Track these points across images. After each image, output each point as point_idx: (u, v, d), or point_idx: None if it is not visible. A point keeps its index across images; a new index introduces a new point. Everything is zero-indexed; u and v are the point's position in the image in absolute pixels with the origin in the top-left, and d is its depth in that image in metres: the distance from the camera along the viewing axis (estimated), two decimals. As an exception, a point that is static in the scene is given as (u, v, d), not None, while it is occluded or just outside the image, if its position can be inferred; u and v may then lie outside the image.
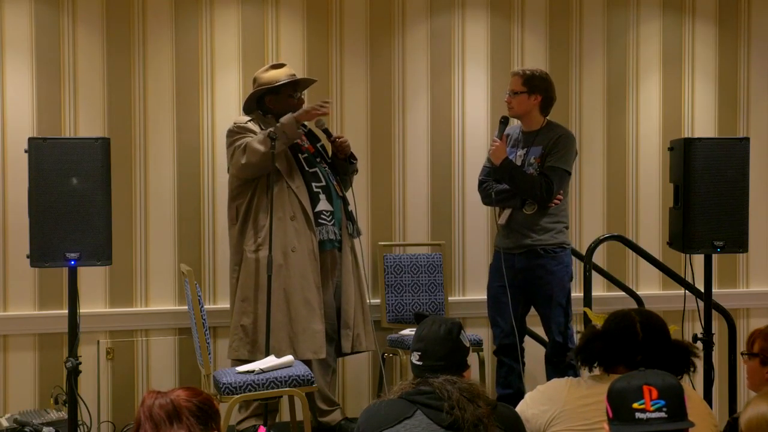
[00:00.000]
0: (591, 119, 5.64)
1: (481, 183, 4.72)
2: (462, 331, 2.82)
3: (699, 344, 4.18)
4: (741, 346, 5.13)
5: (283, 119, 4.47)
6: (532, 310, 4.70)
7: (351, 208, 4.73)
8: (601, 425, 2.38)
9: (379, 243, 5.27)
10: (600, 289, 5.43)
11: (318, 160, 4.70)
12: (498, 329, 4.69)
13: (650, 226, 5.71)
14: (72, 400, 3.91)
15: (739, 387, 5.01)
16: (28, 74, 4.87)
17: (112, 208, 3.90)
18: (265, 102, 4.67)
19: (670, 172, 4.45)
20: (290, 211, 4.50)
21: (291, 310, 4.45)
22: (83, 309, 4.13)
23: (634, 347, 2.91)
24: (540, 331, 4.83)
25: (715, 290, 4.55)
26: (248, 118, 4.64)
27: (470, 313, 5.36)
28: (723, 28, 5.83)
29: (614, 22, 5.68)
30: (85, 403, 4.43)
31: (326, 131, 4.68)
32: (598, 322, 3.13)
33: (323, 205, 4.59)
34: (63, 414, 4.36)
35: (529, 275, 4.55)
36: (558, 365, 4.52)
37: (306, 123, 4.68)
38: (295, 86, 4.69)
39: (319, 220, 4.56)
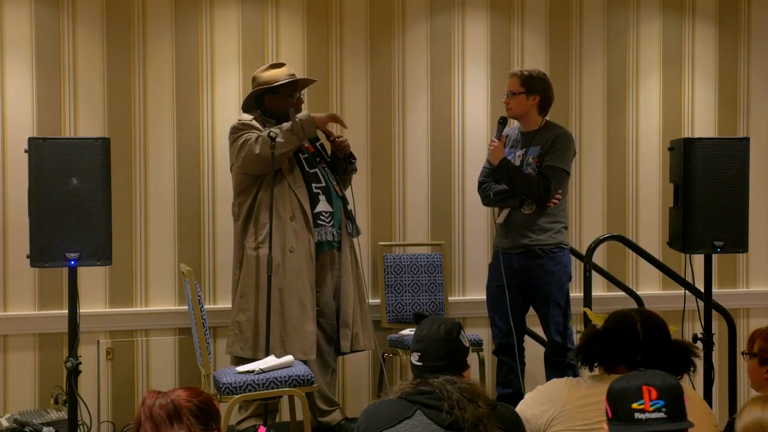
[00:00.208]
0: (591, 119, 5.64)
1: (480, 184, 4.72)
2: (462, 332, 2.82)
3: (699, 344, 4.18)
4: (741, 346, 5.14)
5: (302, 115, 4.49)
6: (532, 310, 4.70)
7: (350, 207, 4.73)
8: (601, 425, 2.38)
9: (379, 243, 5.27)
10: (600, 289, 5.43)
11: (318, 160, 4.70)
12: (497, 329, 4.69)
13: (650, 226, 5.71)
14: (72, 400, 3.92)
15: (739, 387, 5.02)
16: (28, 74, 4.87)
17: (112, 208, 3.90)
18: (264, 101, 4.67)
19: (670, 172, 4.45)
20: (290, 212, 4.50)
21: (284, 310, 4.46)
22: (83, 309, 4.13)
23: (634, 347, 2.91)
24: (540, 331, 4.83)
25: (715, 290, 4.55)
26: (251, 116, 4.65)
27: (470, 313, 5.36)
28: (723, 28, 5.83)
29: (614, 22, 5.68)
30: (85, 403, 4.44)
31: (326, 131, 4.68)
32: (598, 322, 3.13)
33: (322, 206, 4.60)
34: (63, 414, 4.36)
35: (527, 275, 4.55)
36: (557, 365, 4.52)
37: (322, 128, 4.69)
38: (294, 86, 4.69)
39: (318, 222, 4.56)
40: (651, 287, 5.66)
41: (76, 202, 3.80)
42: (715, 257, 4.54)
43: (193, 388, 2.51)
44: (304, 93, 4.82)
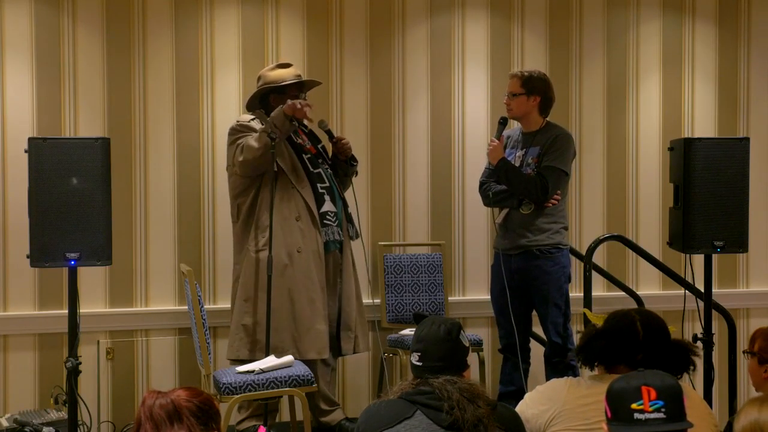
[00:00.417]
0: (591, 119, 5.64)
1: (481, 184, 4.73)
2: (461, 331, 2.82)
3: (699, 344, 4.18)
4: (741, 346, 5.14)
5: (273, 113, 4.48)
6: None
7: (350, 209, 4.73)
8: (601, 425, 2.38)
9: (379, 243, 5.27)
10: (600, 289, 5.43)
11: (320, 161, 4.70)
12: (502, 330, 4.71)
13: (650, 226, 5.71)
14: (72, 400, 3.92)
15: (739, 387, 5.01)
16: (28, 74, 4.87)
17: (112, 208, 3.90)
18: (270, 101, 4.67)
19: (670, 172, 4.45)
20: (295, 212, 4.50)
21: (295, 310, 4.45)
22: (83, 309, 4.13)
23: (634, 346, 2.91)
24: (540, 331, 4.83)
25: (715, 290, 4.55)
26: (251, 116, 4.65)
27: (470, 313, 5.36)
28: (723, 28, 5.83)
29: (614, 22, 5.68)
30: (85, 403, 4.44)
31: (329, 132, 4.68)
32: (597, 323, 3.13)
33: (328, 206, 4.59)
34: (63, 414, 4.37)
35: (526, 276, 4.55)
36: (557, 365, 4.52)
37: (307, 124, 4.68)
38: (301, 87, 4.69)
39: (324, 221, 4.56)
40: (651, 287, 5.66)
41: (76, 202, 3.80)
42: (715, 257, 4.54)
43: (193, 388, 2.51)
44: (306, 94, 4.81)
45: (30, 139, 3.85)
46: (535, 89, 4.57)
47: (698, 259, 4.50)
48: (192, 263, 4.81)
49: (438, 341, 2.78)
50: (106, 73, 4.97)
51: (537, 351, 4.92)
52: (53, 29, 4.90)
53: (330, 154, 4.80)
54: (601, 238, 5.04)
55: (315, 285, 4.49)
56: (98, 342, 4.90)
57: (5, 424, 4.40)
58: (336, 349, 4.67)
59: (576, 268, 5.04)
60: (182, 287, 4.87)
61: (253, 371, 4.08)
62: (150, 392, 2.47)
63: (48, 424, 4.36)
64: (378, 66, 5.33)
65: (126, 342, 4.97)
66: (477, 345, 4.91)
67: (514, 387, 4.63)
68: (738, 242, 4.29)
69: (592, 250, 4.87)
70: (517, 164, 4.59)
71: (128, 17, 4.99)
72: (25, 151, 3.82)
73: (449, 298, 5.33)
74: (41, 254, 3.81)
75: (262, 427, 4.28)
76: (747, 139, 4.33)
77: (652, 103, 5.73)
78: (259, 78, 4.71)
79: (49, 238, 3.79)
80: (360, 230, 4.79)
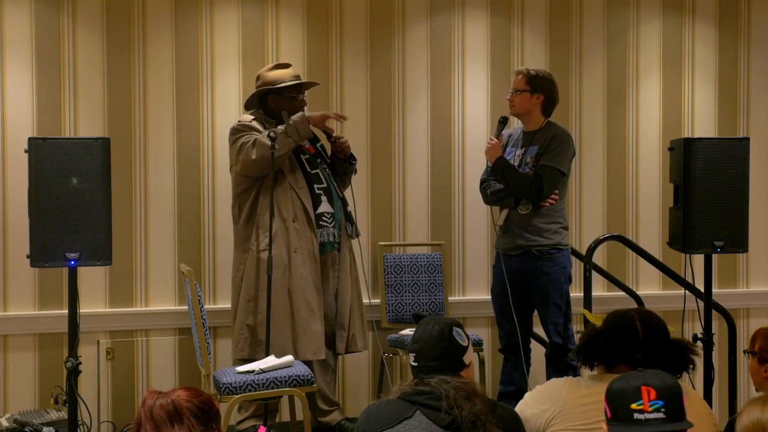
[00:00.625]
0: (591, 119, 5.64)
1: (482, 182, 4.73)
2: (457, 330, 2.81)
3: (699, 344, 4.18)
4: (741, 346, 5.15)
5: (295, 117, 4.47)
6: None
7: (350, 208, 4.73)
8: (600, 425, 2.38)
9: (379, 243, 5.27)
10: (600, 289, 5.43)
11: (318, 161, 4.70)
12: (503, 330, 4.71)
13: (650, 226, 5.71)
14: (72, 400, 3.92)
15: (739, 387, 5.01)
16: (28, 74, 4.88)
17: (112, 208, 3.90)
18: (268, 101, 4.67)
19: (670, 172, 4.45)
20: (292, 213, 4.50)
21: (293, 311, 4.46)
22: (83, 309, 4.13)
23: (634, 345, 2.91)
24: (541, 331, 4.83)
25: (715, 290, 4.55)
26: (252, 117, 4.65)
27: (470, 313, 5.36)
28: (723, 28, 5.83)
29: (614, 22, 5.68)
30: (85, 403, 4.44)
31: (326, 129, 4.67)
32: (596, 323, 3.13)
33: (324, 207, 4.59)
34: (63, 414, 4.37)
35: (526, 277, 4.56)
36: (557, 366, 4.52)
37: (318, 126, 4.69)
38: (299, 88, 4.69)
39: (321, 222, 4.56)
40: (651, 287, 5.66)
41: (76, 202, 3.80)
42: (715, 257, 4.54)
43: (193, 389, 2.51)
44: (305, 93, 4.81)
45: (30, 139, 3.85)
46: (540, 88, 4.57)
47: (698, 259, 4.50)
48: (192, 263, 4.81)
49: (432, 341, 2.78)
50: (106, 73, 4.97)
51: (537, 351, 4.92)
52: (53, 29, 4.91)
53: (329, 153, 4.80)
54: (601, 238, 5.04)
55: (310, 286, 4.49)
56: (98, 342, 4.90)
57: (5, 424, 4.40)
58: (333, 349, 4.67)
59: (576, 268, 5.04)
60: (182, 287, 4.87)
61: (253, 371, 4.08)
62: (150, 392, 2.47)
63: (48, 424, 4.36)
64: (378, 66, 5.33)
65: (126, 342, 4.97)
66: (477, 345, 4.91)
67: (514, 387, 4.64)
68: (738, 242, 4.29)
69: (592, 250, 4.87)
70: (516, 163, 4.59)
71: (128, 17, 5.00)
72: (25, 151, 3.82)
73: (449, 298, 5.33)
74: (41, 254, 3.81)
75: (262, 427, 4.28)
76: (747, 139, 4.33)
77: (652, 103, 5.74)
78: (257, 78, 4.71)
79: (49, 238, 3.79)
80: (359, 230, 4.79)
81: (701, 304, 4.51)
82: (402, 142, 5.37)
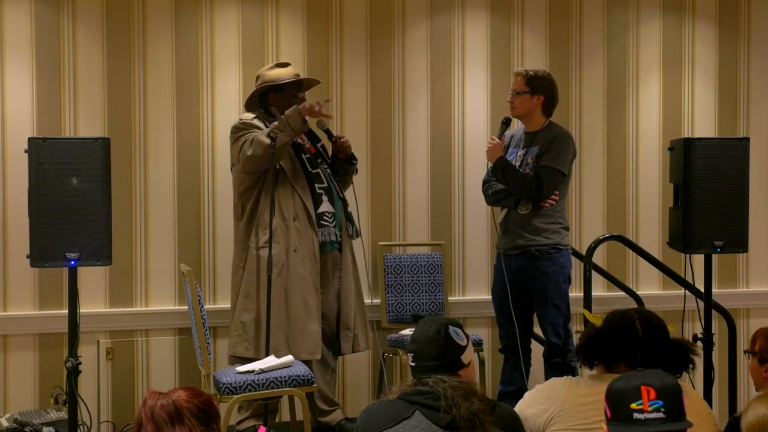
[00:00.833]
0: (591, 119, 5.64)
1: (484, 183, 4.74)
2: (454, 329, 2.81)
3: (699, 344, 4.18)
4: (741, 346, 5.15)
5: (288, 112, 4.48)
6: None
7: (350, 208, 4.73)
8: (600, 425, 2.38)
9: (379, 243, 5.27)
10: (600, 289, 5.43)
11: (319, 161, 4.70)
12: (503, 330, 4.72)
13: (650, 226, 5.71)
14: (72, 400, 3.92)
15: (739, 387, 5.01)
16: (28, 74, 4.88)
17: (112, 208, 3.90)
18: (268, 99, 4.68)
19: (670, 172, 4.45)
20: (293, 212, 4.50)
21: (289, 310, 4.46)
22: (83, 309, 4.13)
23: (634, 344, 2.92)
24: (540, 331, 4.83)
25: (715, 290, 4.55)
26: (253, 115, 4.65)
27: (470, 313, 5.36)
28: (723, 28, 5.83)
29: (614, 22, 5.68)
30: (85, 403, 4.44)
31: (327, 131, 4.68)
32: (596, 323, 3.13)
33: (325, 206, 4.59)
34: (63, 414, 4.37)
35: (525, 276, 4.56)
36: (556, 366, 4.52)
37: (310, 116, 4.68)
38: (299, 86, 4.70)
39: (321, 222, 4.56)
40: (651, 287, 5.66)
41: (76, 202, 3.80)
42: (715, 257, 4.54)
43: (192, 389, 2.51)
44: (305, 93, 4.81)
45: (30, 139, 3.85)
46: (540, 88, 4.57)
47: (698, 259, 4.50)
48: (192, 263, 4.82)
49: (429, 341, 2.79)
50: (106, 73, 4.97)
51: (538, 351, 4.92)
52: (53, 29, 4.91)
53: (330, 153, 4.80)
54: (601, 238, 5.04)
55: (309, 286, 4.49)
56: (98, 342, 4.91)
57: (5, 424, 4.40)
58: (336, 349, 4.68)
59: (576, 268, 5.04)
60: (182, 287, 4.87)
61: (253, 371, 4.08)
62: (151, 393, 2.47)
63: (48, 424, 4.36)
64: (378, 66, 5.33)
65: (126, 342, 4.97)
66: (477, 345, 4.91)
67: (514, 387, 4.64)
68: (738, 242, 4.29)
69: (592, 250, 4.87)
70: (518, 163, 4.59)
71: (128, 17, 5.00)
72: (25, 151, 3.82)
73: (449, 298, 5.33)
74: (41, 254, 3.81)
75: (262, 427, 4.28)
76: (747, 139, 4.33)
77: (652, 103, 5.73)
78: (257, 77, 4.71)
79: (49, 238, 3.79)
80: (360, 230, 4.79)
81: (701, 304, 4.51)
82: (402, 142, 5.37)
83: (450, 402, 2.60)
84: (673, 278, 5.09)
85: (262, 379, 4.05)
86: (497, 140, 4.59)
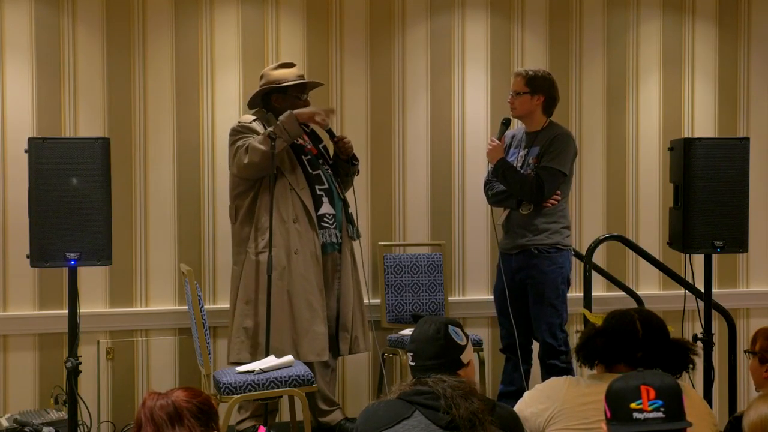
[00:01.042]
0: (591, 119, 5.64)
1: (485, 184, 4.74)
2: (453, 329, 2.81)
3: (699, 344, 4.18)
4: (741, 346, 5.15)
5: (283, 117, 4.47)
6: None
7: (351, 209, 4.73)
8: (600, 424, 2.38)
9: (379, 243, 5.27)
10: (600, 289, 5.43)
11: (320, 161, 4.69)
12: (503, 330, 4.72)
13: (650, 226, 5.71)
14: (72, 400, 3.92)
15: (739, 387, 5.01)
16: (28, 74, 4.88)
17: (112, 208, 3.90)
18: (271, 100, 4.67)
19: (670, 172, 4.45)
20: (293, 214, 4.49)
21: (294, 312, 4.45)
22: (83, 309, 4.13)
23: (634, 344, 2.92)
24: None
25: (715, 290, 4.54)
26: (253, 117, 4.64)
27: (470, 313, 5.36)
28: (723, 28, 5.83)
29: (614, 22, 5.68)
30: (85, 403, 4.44)
31: (330, 132, 4.67)
32: (596, 323, 3.13)
33: (326, 208, 4.59)
34: (63, 414, 4.37)
35: (524, 275, 4.56)
36: (551, 368, 4.50)
37: (308, 123, 4.68)
38: (303, 87, 4.69)
39: (322, 224, 4.56)
40: (651, 287, 5.66)
41: (76, 202, 3.80)
42: (715, 257, 4.54)
43: (191, 389, 2.51)
44: (308, 94, 4.81)
45: (30, 139, 3.85)
46: (540, 88, 4.58)
47: (698, 259, 4.50)
48: (192, 263, 4.82)
49: (428, 340, 2.79)
50: (106, 73, 4.97)
51: (535, 351, 4.92)
52: (53, 29, 4.91)
53: (331, 153, 4.80)
54: (601, 238, 5.03)
55: (313, 287, 4.48)
56: (98, 342, 4.91)
57: (5, 424, 4.40)
58: (335, 350, 4.67)
59: (576, 268, 5.04)
60: (182, 287, 4.87)
61: (253, 371, 4.08)
62: (150, 393, 2.47)
63: (48, 424, 4.36)
64: (378, 66, 5.33)
65: (126, 342, 4.97)
66: (477, 345, 4.91)
67: (514, 387, 4.63)
68: (738, 242, 4.29)
69: (592, 250, 4.87)
70: (519, 164, 4.59)
71: (128, 17, 5.00)
72: (25, 151, 3.82)
73: (449, 298, 5.33)
74: (41, 254, 3.81)
75: (262, 427, 4.28)
76: (747, 139, 4.33)
77: (652, 103, 5.73)
78: (261, 76, 4.71)
79: (49, 238, 3.79)
80: (359, 231, 4.79)
81: (701, 304, 4.50)
82: (402, 142, 5.37)
83: (449, 402, 2.60)
84: (673, 278, 5.09)
85: (262, 379, 4.05)
86: (497, 142, 4.59)
